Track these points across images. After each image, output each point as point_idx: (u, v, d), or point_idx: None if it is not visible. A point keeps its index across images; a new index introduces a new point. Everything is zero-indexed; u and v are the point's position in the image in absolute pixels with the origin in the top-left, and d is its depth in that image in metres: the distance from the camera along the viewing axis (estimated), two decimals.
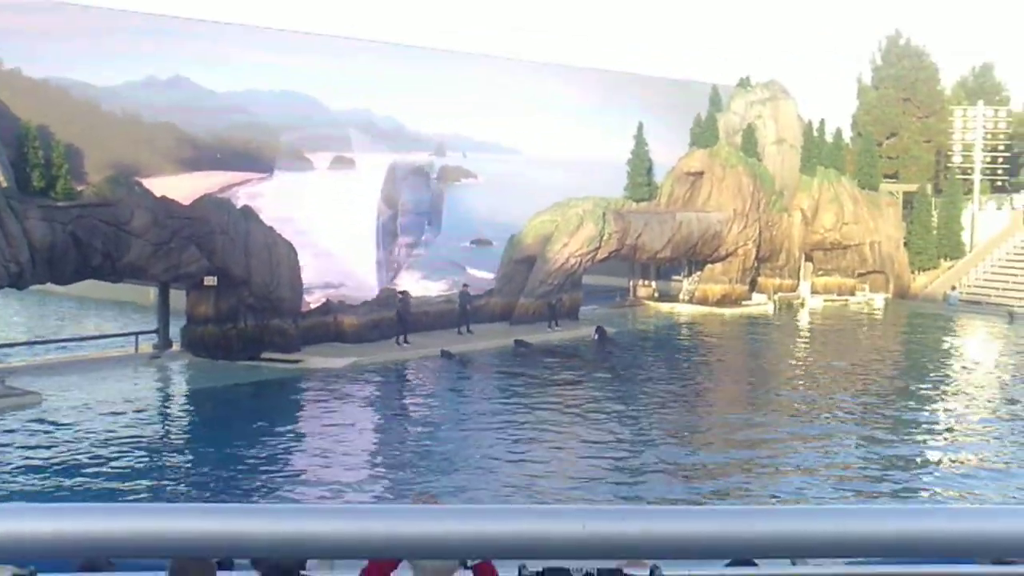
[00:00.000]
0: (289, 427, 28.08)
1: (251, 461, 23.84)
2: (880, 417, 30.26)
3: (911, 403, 32.67)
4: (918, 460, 25.64)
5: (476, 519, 2.48)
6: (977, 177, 71.67)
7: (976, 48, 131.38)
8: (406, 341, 39.63)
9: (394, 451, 25.54)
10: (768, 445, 26.07)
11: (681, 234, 53.90)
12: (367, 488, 21.65)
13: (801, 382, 36.36)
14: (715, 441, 27.12)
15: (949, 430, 29.27)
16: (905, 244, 66.02)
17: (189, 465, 23.91)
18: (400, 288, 43.51)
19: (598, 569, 4.50)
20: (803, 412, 30.77)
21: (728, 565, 5.00)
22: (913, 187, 70.81)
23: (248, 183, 42.96)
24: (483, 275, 48.71)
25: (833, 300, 62.13)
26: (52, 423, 27.02)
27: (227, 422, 27.93)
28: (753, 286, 60.24)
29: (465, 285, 44.91)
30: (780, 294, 60.49)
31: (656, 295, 60.36)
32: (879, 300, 63.06)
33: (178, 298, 37.50)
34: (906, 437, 27.82)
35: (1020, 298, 59.14)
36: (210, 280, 35.90)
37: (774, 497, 21.70)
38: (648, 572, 4.38)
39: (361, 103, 45.96)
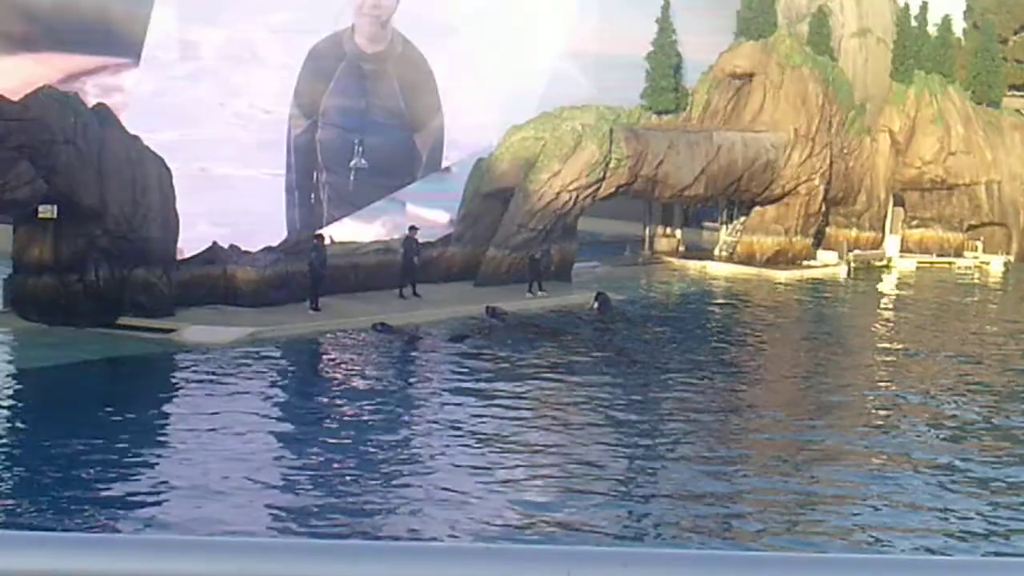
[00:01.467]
0: (145, 425, 28.15)
1: (82, 474, 23.94)
2: (990, 431, 30.61)
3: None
4: None
5: (436, 561, 2.74)
6: None
7: None
8: (316, 307, 39.74)
9: (293, 467, 25.66)
10: (830, 482, 26.37)
11: (720, 163, 54.16)
12: (251, 525, 21.76)
13: (885, 378, 36.69)
14: (755, 462, 27.40)
15: None
16: None
17: None
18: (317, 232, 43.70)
19: None
20: (882, 423, 31.12)
21: None
22: None
23: (103, 71, 42.93)
24: (435, 216, 48.99)
25: (932, 262, 62.67)
26: None
27: (60, 416, 27.97)
28: (820, 239, 60.75)
29: (412, 228, 45.06)
30: (857, 252, 60.98)
31: (682, 249, 60.71)
32: (997, 264, 63.61)
33: (1, 236, 37.38)
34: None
35: None
36: (47, 211, 35.73)
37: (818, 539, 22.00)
38: None
39: None
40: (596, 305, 44.63)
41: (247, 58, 47.64)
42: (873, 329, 46.47)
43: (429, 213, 50.07)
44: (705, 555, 2.79)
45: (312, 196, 49.82)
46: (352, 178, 50.22)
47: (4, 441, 26.83)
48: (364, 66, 51.33)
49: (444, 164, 53.36)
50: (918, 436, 30.16)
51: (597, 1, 57.17)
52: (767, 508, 24.05)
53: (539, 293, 45.87)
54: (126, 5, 43.63)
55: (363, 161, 50.24)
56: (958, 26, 72.59)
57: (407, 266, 43.55)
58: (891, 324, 47.81)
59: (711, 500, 24.11)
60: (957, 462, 27.51)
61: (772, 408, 33.33)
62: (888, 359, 40.15)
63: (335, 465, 25.53)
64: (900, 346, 42.57)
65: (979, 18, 75.05)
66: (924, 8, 65.15)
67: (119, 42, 43.65)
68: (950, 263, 62.92)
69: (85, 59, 42.53)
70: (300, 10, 48.63)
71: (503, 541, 20.85)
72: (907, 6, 64.79)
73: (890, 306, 52.17)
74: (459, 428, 28.40)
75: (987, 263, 63.61)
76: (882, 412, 32.61)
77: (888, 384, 36.28)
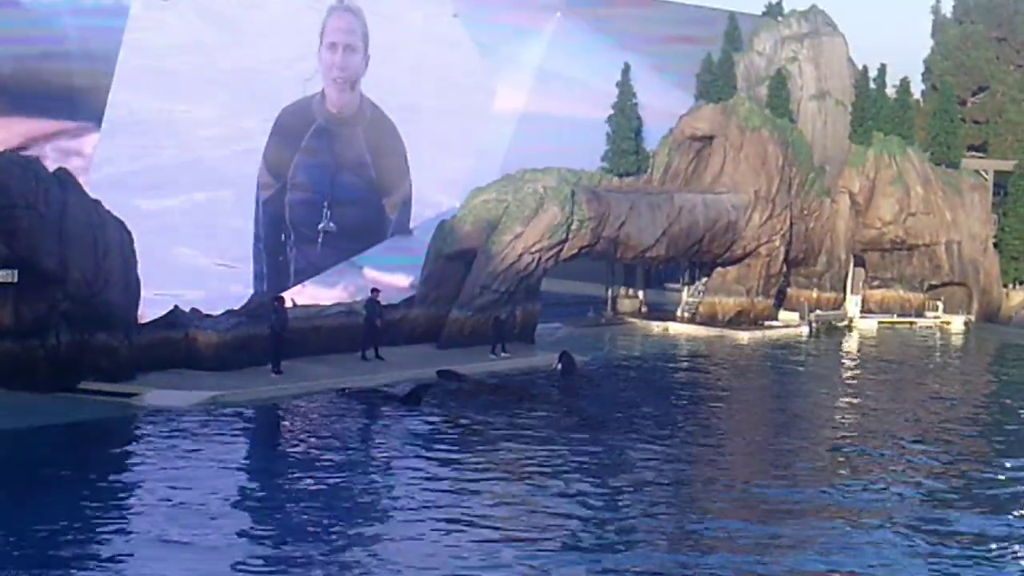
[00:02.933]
0: (105, 489, 27.93)
1: (43, 537, 23.74)
2: (956, 494, 30.60)
3: (1003, 472, 33.06)
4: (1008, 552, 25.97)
5: None
6: None
7: None
8: (278, 371, 39.59)
9: (252, 529, 25.44)
10: (799, 541, 26.27)
11: (681, 224, 54.33)
12: None
13: (849, 440, 36.67)
14: (727, 531, 27.28)
15: None
16: (995, 245, 66.91)
17: None
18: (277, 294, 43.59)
19: None
20: (852, 486, 31.06)
21: None
22: (1009, 164, 71.68)
23: (63, 136, 42.92)
24: (396, 280, 49.15)
25: (893, 322, 62.84)
26: None
27: (20, 481, 27.74)
28: (781, 300, 60.88)
29: (374, 290, 45.03)
30: (819, 312, 61.13)
31: (645, 309, 60.80)
32: (958, 323, 63.82)
33: None
34: (995, 517, 28.17)
35: None
36: (7, 275, 35.58)
37: None
38: None
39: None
40: (559, 366, 44.61)
41: (213, 121, 47.78)
42: (834, 387, 46.48)
43: (391, 275, 50.15)
44: None
45: (280, 258, 49.88)
46: (320, 241, 50.31)
47: None
48: (333, 129, 51.58)
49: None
50: (880, 492, 30.19)
51: (558, 64, 57.33)
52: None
53: (502, 355, 45.82)
54: (87, 71, 43.60)
55: (331, 224, 50.34)
56: (916, 88, 73.26)
57: (370, 329, 43.46)
58: (854, 382, 47.84)
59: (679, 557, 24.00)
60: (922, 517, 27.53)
61: (733, 460, 33.36)
62: (846, 419, 40.15)
63: (290, 530, 25.36)
64: (864, 404, 42.62)
65: (937, 80, 75.68)
66: (882, 70, 65.65)
67: (80, 107, 43.64)
68: (911, 323, 63.11)
69: (45, 123, 42.46)
70: (269, 76, 48.81)
71: None
72: (865, 68, 65.24)
73: (853, 366, 52.17)
74: (417, 496, 28.24)
75: (948, 322, 63.82)
76: (840, 472, 32.64)
77: (848, 441, 36.29)
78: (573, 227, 49.10)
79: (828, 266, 62.79)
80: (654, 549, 24.80)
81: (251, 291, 46.31)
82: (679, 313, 59.25)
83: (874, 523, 27.46)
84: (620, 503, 28.28)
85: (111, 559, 22.83)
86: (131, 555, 22.89)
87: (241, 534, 24.94)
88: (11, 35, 41.76)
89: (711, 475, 31.62)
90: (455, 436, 34.78)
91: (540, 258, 48.30)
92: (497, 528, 25.74)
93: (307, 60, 50.43)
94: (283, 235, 49.94)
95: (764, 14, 65.42)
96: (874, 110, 64.50)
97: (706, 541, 25.63)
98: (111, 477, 29.05)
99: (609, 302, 60.65)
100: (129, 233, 37.93)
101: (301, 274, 50.41)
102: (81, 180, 38.48)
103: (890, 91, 66.72)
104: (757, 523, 27.14)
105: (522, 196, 48.54)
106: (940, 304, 65.06)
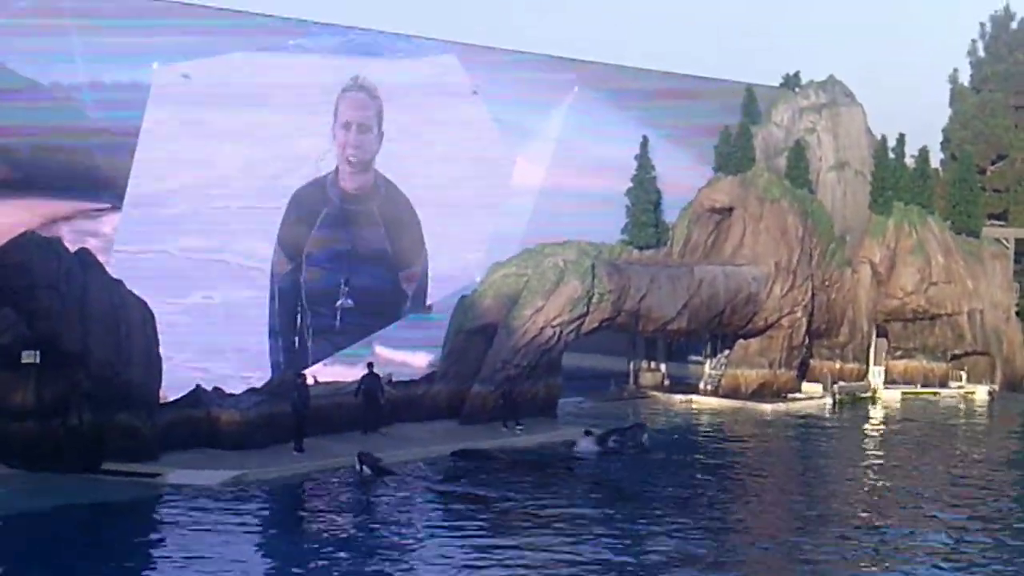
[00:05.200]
0: (131, 571, 27.91)
1: None
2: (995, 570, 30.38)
3: None
4: None
5: None
6: None
7: None
8: (300, 449, 39.52)
9: None
10: None
11: (702, 296, 54.37)
12: None
13: (873, 514, 36.47)
14: None
15: None
16: (1018, 314, 66.76)
17: None
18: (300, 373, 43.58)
19: None
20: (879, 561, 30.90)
21: None
22: None
23: (81, 216, 43.11)
24: (415, 357, 49.29)
25: (917, 392, 62.62)
26: None
27: (45, 563, 27.71)
28: (804, 371, 60.70)
29: (370, 364, 44.91)
30: (842, 383, 60.97)
31: (667, 382, 60.70)
32: (982, 392, 63.58)
33: None
34: None
35: None
36: (30, 356, 35.68)
37: None
38: None
39: None
40: (645, 438, 44.53)
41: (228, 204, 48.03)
42: (858, 460, 46.30)
43: (409, 353, 50.41)
44: None
45: (296, 337, 49.94)
46: (338, 318, 50.42)
47: None
48: (348, 207, 51.71)
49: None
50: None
51: (576, 138, 57.54)
52: None
53: (516, 429, 45.77)
54: (107, 152, 43.90)
55: (349, 300, 50.48)
56: (935, 157, 73.30)
57: (370, 404, 43.21)
58: (879, 454, 47.66)
59: None
60: None
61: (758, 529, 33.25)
62: (873, 494, 39.96)
63: None
64: (889, 476, 42.44)
65: (956, 148, 75.73)
66: (901, 140, 65.69)
67: (99, 188, 43.91)
68: (935, 393, 62.88)
69: (64, 204, 42.69)
70: (281, 157, 49.08)
71: None
72: (884, 138, 65.33)
73: (878, 438, 51.98)
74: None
75: (972, 392, 63.58)
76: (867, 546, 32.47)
77: (875, 517, 36.09)
78: (594, 300, 49.14)
79: (850, 337, 62.70)
80: None
81: (270, 372, 46.42)
82: (702, 386, 59.16)
83: None
84: None
85: None
86: None
87: None
88: (31, 116, 42.05)
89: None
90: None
91: (561, 332, 48.30)
92: None
93: (320, 139, 50.60)
94: (299, 315, 50.00)
95: (782, 85, 65.62)
96: (893, 180, 64.55)
97: None
98: (137, 557, 29.06)
99: (631, 375, 60.59)
100: (151, 312, 38.04)
101: (320, 353, 50.45)
102: (101, 260, 38.68)
103: (909, 161, 66.81)
104: None
105: (542, 270, 48.63)
106: (963, 374, 64.85)
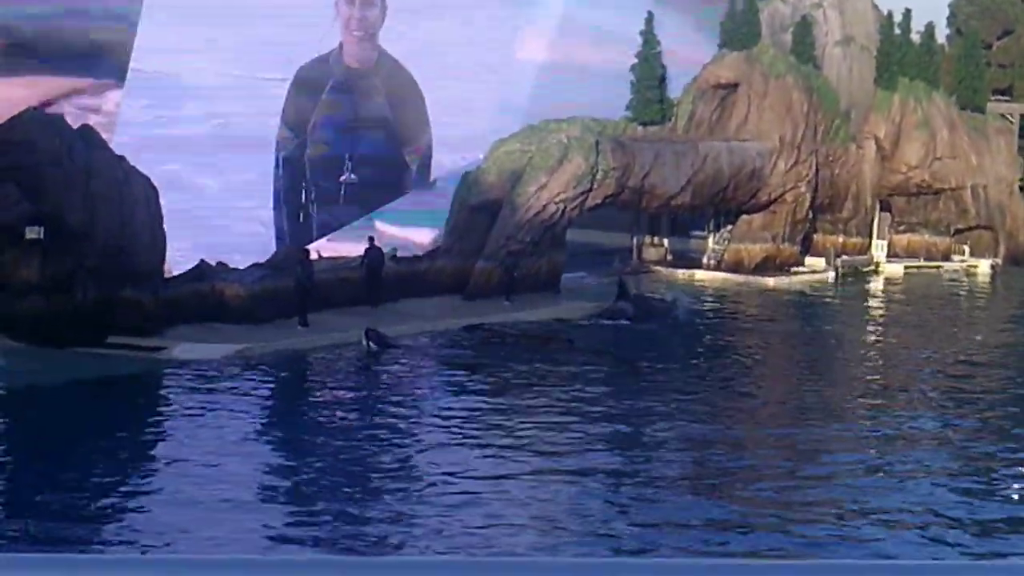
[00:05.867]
0: (137, 444, 28.17)
1: (75, 494, 23.94)
2: (989, 443, 30.56)
3: None
4: None
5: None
6: None
7: None
8: (304, 323, 39.71)
9: (285, 485, 25.63)
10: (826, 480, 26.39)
11: (706, 172, 54.27)
12: (244, 542, 21.66)
13: (875, 392, 36.67)
14: (754, 472, 27.40)
15: None
16: (1021, 189, 66.73)
17: None
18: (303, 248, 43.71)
19: None
20: (877, 432, 31.12)
21: None
22: None
23: (83, 93, 43.04)
24: (418, 233, 49.36)
25: (920, 266, 62.71)
26: None
27: (51, 437, 27.93)
28: (807, 246, 60.76)
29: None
30: (845, 257, 61.08)
31: (670, 258, 60.74)
32: (985, 267, 63.69)
33: None
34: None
35: None
36: (34, 232, 35.74)
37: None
38: None
39: None
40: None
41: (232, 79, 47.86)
42: (861, 333, 46.56)
43: (413, 228, 50.46)
44: (719, 564, 2.80)
45: (300, 212, 49.99)
46: (343, 194, 50.43)
47: None
48: (352, 83, 51.54)
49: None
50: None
51: (581, 12, 57.22)
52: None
53: (503, 303, 45.89)
54: (108, 29, 43.71)
55: (353, 176, 50.43)
56: (941, 32, 72.78)
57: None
58: (880, 327, 47.89)
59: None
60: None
61: (763, 410, 33.48)
62: (874, 366, 40.19)
63: (324, 481, 25.56)
64: (890, 349, 42.68)
65: (962, 24, 75.24)
66: (907, 15, 65.24)
67: (101, 65, 43.77)
68: (938, 267, 63.00)
69: (66, 81, 42.59)
70: (286, 32, 48.82)
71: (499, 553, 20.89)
72: (890, 14, 64.89)
73: (880, 310, 52.20)
74: (454, 443, 28.43)
75: (975, 266, 63.70)
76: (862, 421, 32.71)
77: (877, 396, 36.32)
78: (598, 177, 49.06)
79: (854, 212, 62.64)
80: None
81: (273, 247, 46.56)
82: (705, 261, 59.18)
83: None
84: None
85: (143, 515, 23.09)
86: (159, 515, 23.07)
87: (273, 485, 25.18)
88: None
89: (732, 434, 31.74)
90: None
91: (565, 208, 48.28)
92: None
93: (324, 14, 50.32)
94: (304, 190, 50.01)
95: None
96: (899, 55, 64.19)
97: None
98: (144, 431, 29.36)
99: (635, 251, 60.58)
100: (154, 188, 38.06)
101: (324, 228, 50.46)
102: (104, 136, 38.67)
103: (915, 36, 66.36)
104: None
105: (546, 146, 48.53)
106: (967, 248, 64.91)
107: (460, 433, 29.16)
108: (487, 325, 41.87)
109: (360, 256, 43.99)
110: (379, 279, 43.45)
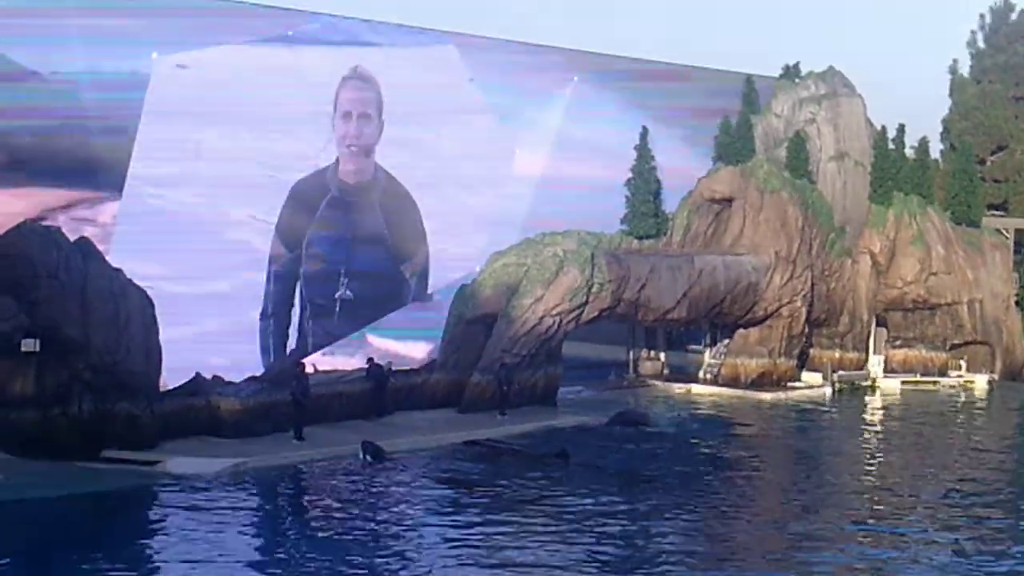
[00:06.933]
0: (131, 558, 27.97)
1: None
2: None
3: None
4: None
5: None
6: None
7: None
8: (300, 437, 39.59)
9: None
10: None
11: (702, 286, 54.40)
12: None
13: (876, 501, 36.52)
14: None
15: None
16: (1017, 303, 66.79)
17: None
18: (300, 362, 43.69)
19: None
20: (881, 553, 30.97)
21: None
22: None
23: (79, 205, 43.17)
24: (415, 347, 49.41)
25: (916, 381, 62.64)
26: None
27: (44, 552, 27.75)
28: (804, 361, 60.72)
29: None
30: (842, 372, 61.08)
31: (667, 371, 60.71)
32: (982, 382, 63.62)
33: None
34: None
35: None
36: (29, 344, 35.71)
37: None
38: None
39: None
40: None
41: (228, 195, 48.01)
42: (859, 449, 46.38)
43: (410, 342, 50.52)
44: None
45: (290, 330, 49.90)
46: (338, 310, 50.45)
47: None
48: (348, 198, 51.70)
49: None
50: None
51: (576, 128, 57.59)
52: None
53: (497, 416, 45.80)
54: (106, 142, 43.93)
55: (348, 292, 50.49)
56: (935, 148, 73.37)
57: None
58: (880, 443, 47.72)
59: None
60: None
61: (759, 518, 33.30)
62: (874, 482, 40.02)
63: None
64: (889, 465, 42.51)
65: (956, 139, 75.73)
66: (901, 131, 65.67)
67: (98, 177, 43.93)
68: (935, 382, 62.92)
69: (62, 193, 42.72)
70: (281, 148, 49.09)
71: None
72: (884, 129, 65.31)
73: (877, 427, 52.01)
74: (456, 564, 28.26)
75: (972, 382, 63.61)
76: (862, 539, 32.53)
77: (877, 507, 36.15)
78: (593, 290, 49.21)
79: (850, 326, 62.76)
80: None
81: (262, 365, 46.60)
82: (701, 375, 59.22)
83: None
84: None
85: None
86: None
87: None
88: (32, 106, 42.06)
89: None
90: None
91: (561, 321, 48.38)
92: None
93: (320, 129, 50.62)
94: (297, 306, 49.97)
95: (781, 76, 65.54)
96: (893, 170, 64.57)
97: None
98: (137, 544, 29.12)
99: (631, 364, 60.61)
100: (151, 301, 38.08)
101: (319, 344, 50.41)
102: (101, 248, 38.71)
103: (909, 151, 66.86)
104: None
105: (542, 259, 48.71)
106: (963, 363, 64.87)
107: (459, 553, 28.97)
108: (485, 441, 41.77)
109: (365, 370, 44.32)
110: (385, 392, 44.05)
